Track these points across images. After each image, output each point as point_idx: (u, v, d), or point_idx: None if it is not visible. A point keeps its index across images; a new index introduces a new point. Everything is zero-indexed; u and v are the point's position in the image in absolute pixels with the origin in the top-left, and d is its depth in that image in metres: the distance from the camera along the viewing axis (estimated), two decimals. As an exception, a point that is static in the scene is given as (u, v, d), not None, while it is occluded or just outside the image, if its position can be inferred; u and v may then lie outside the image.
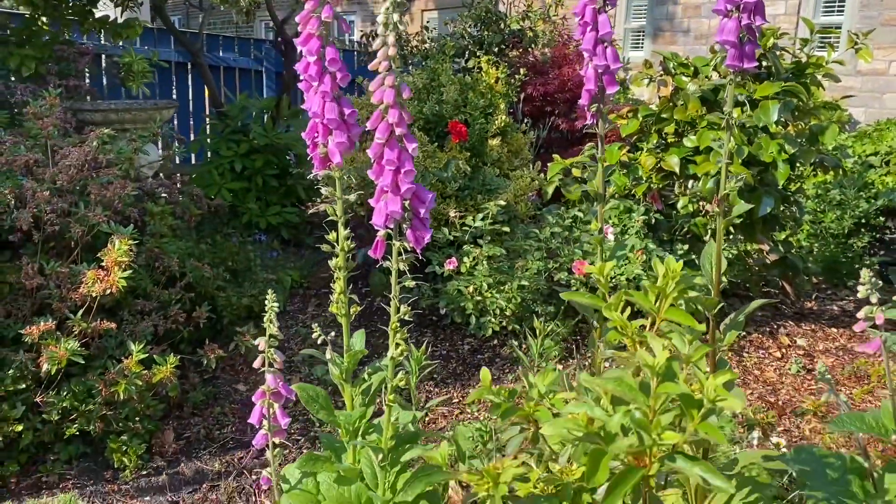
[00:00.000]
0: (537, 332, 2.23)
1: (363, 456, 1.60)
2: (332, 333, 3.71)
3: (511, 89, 4.48)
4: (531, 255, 3.61)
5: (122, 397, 2.57)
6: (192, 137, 6.10)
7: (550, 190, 3.91)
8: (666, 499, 0.80)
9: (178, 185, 3.99)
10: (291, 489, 1.68)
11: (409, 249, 1.40)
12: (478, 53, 5.93)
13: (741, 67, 1.39)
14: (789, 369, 3.67)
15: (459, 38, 5.96)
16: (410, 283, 1.43)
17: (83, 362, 2.52)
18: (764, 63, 3.50)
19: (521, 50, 6.07)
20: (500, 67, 4.42)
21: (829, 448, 2.87)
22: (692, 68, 3.57)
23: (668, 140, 3.74)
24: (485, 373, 1.04)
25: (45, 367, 2.46)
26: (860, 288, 1.24)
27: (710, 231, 4.14)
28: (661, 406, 0.78)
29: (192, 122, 6.33)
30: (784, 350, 3.92)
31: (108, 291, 2.52)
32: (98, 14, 4.33)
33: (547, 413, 0.92)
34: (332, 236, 1.58)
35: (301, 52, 1.48)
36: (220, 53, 6.55)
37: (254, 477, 2.65)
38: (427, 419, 3.02)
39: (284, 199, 5.22)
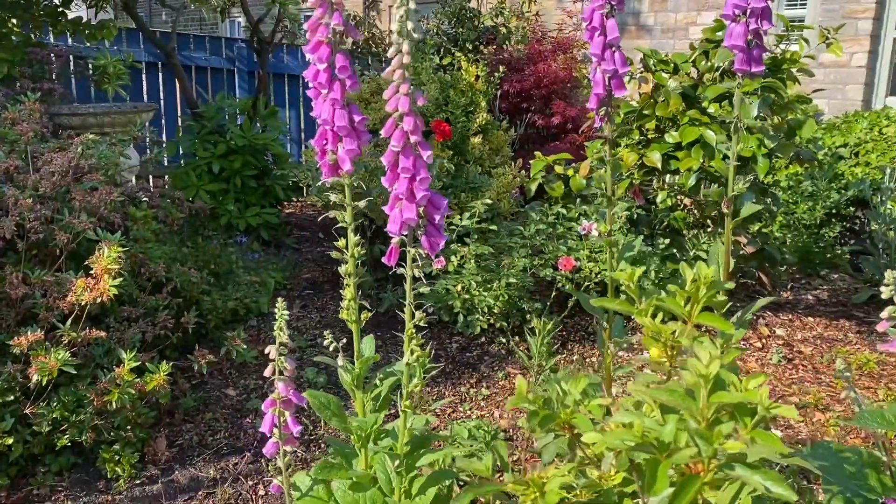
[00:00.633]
0: (537, 331, 2.24)
1: (377, 462, 1.60)
2: (325, 340, 3.67)
3: (491, 87, 4.49)
4: (516, 253, 3.63)
5: (114, 406, 2.54)
6: (164, 138, 6.02)
7: (534, 187, 3.94)
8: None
9: (158, 188, 3.93)
10: (303, 496, 1.68)
11: (423, 256, 1.40)
12: (452, 51, 5.93)
13: (749, 71, 1.42)
14: (770, 359, 3.74)
15: (434, 35, 5.95)
16: (425, 289, 1.44)
17: (74, 372, 2.49)
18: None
19: (495, 46, 6.09)
20: (479, 65, 4.44)
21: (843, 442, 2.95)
22: (672, 65, 3.62)
23: (649, 136, 3.79)
24: (521, 382, 1.05)
25: (34, 378, 2.42)
26: (883, 289, 1.27)
27: (687, 224, 4.21)
28: (712, 414, 0.80)
29: (164, 123, 6.24)
30: (764, 340, 3.99)
31: (99, 300, 2.49)
32: (70, 15, 4.25)
33: (585, 420, 0.94)
34: (341, 243, 1.58)
35: (310, 59, 1.47)
36: (192, 53, 6.47)
37: (250, 483, 2.64)
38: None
39: (263, 199, 5.18)
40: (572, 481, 0.88)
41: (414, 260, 1.41)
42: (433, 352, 3.63)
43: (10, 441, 2.49)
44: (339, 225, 1.57)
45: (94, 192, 2.85)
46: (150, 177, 5.39)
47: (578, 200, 3.95)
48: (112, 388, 2.53)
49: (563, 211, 3.89)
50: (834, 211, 5.30)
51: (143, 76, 6.05)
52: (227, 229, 4.92)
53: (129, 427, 2.72)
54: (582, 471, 0.98)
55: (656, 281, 3.81)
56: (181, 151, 5.10)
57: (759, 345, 3.94)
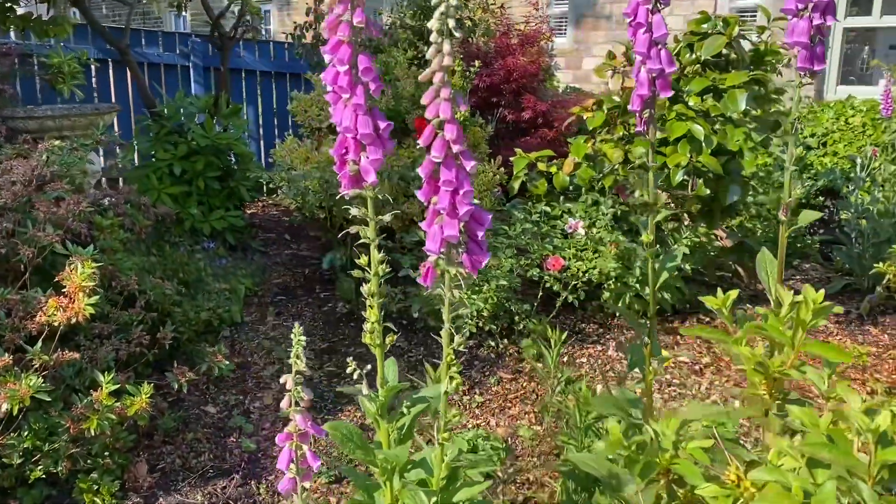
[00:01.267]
0: (552, 342, 2.14)
1: (407, 497, 1.48)
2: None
3: (467, 82, 4.37)
4: (503, 253, 3.53)
5: (92, 434, 2.36)
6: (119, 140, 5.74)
7: (517, 185, 3.84)
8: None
9: (122, 194, 3.71)
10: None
11: (464, 275, 1.28)
12: (417, 44, 5.79)
13: (812, 70, 1.33)
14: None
15: (398, 28, 5.80)
16: (465, 311, 1.32)
17: (48, 399, 2.30)
18: (723, 51, 3.51)
19: (461, 40, 5.97)
20: (455, 60, 4.30)
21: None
22: (656, 58, 3.55)
23: (631, 131, 3.72)
24: (614, 428, 0.94)
25: (3, 406, 2.22)
26: None
27: (666, 218, 4.15)
28: (878, 473, 0.70)
29: (116, 124, 5.96)
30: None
31: (74, 320, 2.30)
32: (20, 10, 3.98)
33: (692, 469, 0.83)
34: (363, 260, 1.45)
35: (329, 60, 1.34)
36: (144, 49, 6.19)
37: (242, 508, 2.49)
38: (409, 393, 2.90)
39: (227, 202, 4.98)
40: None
41: (454, 280, 1.29)
42: (420, 356, 3.51)
43: (-22, 476, 2.30)
44: (362, 241, 1.44)
45: (60, 202, 2.65)
46: (104, 181, 5.12)
47: (562, 198, 3.86)
48: (90, 414, 2.35)
49: (548, 209, 3.80)
50: (804, 201, 5.34)
51: (93, 75, 5.76)
52: (192, 234, 4.70)
53: (107, 453, 2.54)
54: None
55: (641, 278, 3.75)
56: (137, 153, 4.86)
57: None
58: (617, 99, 3.59)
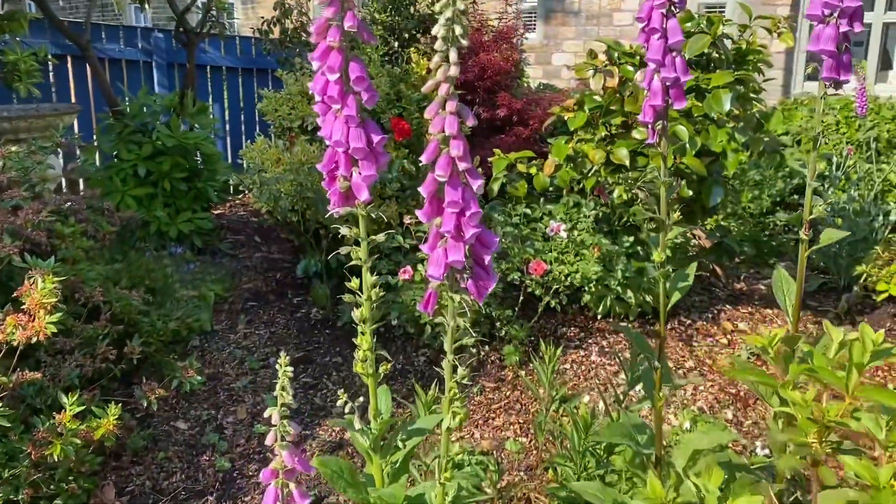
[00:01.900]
0: (546, 357, 2.04)
1: (404, 536, 1.37)
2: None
3: (443, 81, 4.25)
4: (483, 258, 3.43)
5: (56, 459, 2.21)
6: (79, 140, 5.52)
7: (496, 187, 3.74)
8: None
9: (84, 198, 3.53)
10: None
11: (469, 302, 1.18)
12: (389, 40, 5.66)
13: (838, 80, 1.25)
14: (739, 356, 3.68)
15: (369, 23, 5.66)
16: (470, 341, 1.21)
17: (8, 425, 2.15)
18: (705, 50, 3.45)
19: (432, 36, 5.85)
20: (431, 57, 4.19)
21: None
22: (637, 57, 3.48)
23: (613, 132, 3.64)
24: (653, 483, 0.84)
25: (-41, 433, 2.07)
26: None
27: (645, 219, 4.10)
28: None
29: (76, 124, 5.73)
30: (729, 336, 3.93)
31: (35, 339, 2.15)
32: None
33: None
34: (354, 283, 1.34)
35: (317, 68, 1.22)
36: (104, 44, 5.96)
37: (217, 533, 2.36)
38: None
39: (195, 203, 4.80)
40: None
41: (458, 308, 1.19)
42: (400, 366, 3.40)
43: (-69, 508, 2.14)
44: (353, 263, 1.33)
45: (18, 210, 2.49)
46: (63, 183, 4.91)
47: (542, 200, 3.77)
48: (53, 439, 2.20)
49: (528, 211, 3.71)
50: (779, 199, 5.33)
51: (51, 71, 5.53)
52: (158, 238, 4.53)
53: (71, 477, 2.39)
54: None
55: (623, 281, 3.69)
56: (100, 154, 4.67)
57: (725, 341, 3.87)
58: (598, 99, 3.51)
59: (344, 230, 1.32)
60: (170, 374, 3.04)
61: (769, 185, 5.23)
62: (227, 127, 7.01)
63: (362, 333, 1.35)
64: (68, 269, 2.85)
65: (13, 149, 2.51)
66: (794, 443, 0.84)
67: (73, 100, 5.63)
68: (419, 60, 4.08)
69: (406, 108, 3.88)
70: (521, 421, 2.96)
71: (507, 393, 3.17)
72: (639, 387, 1.79)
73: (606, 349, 3.60)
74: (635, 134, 3.44)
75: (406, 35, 5.80)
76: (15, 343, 2.19)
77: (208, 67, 6.74)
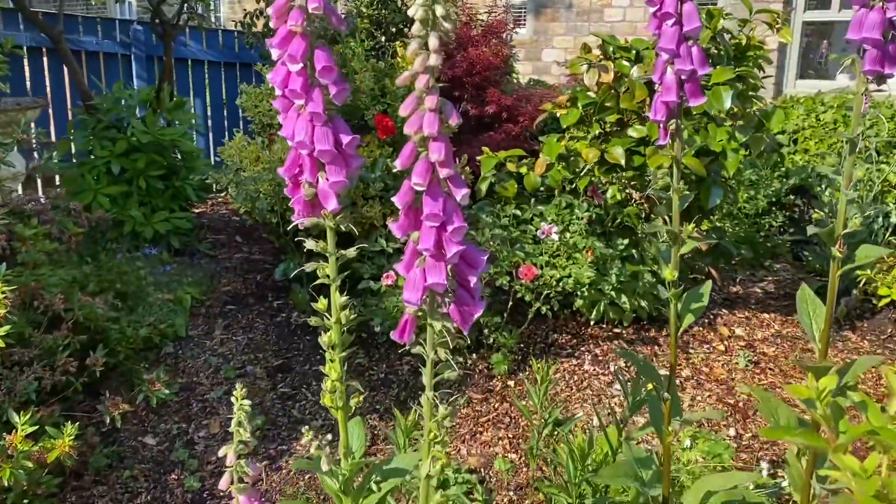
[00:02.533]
0: (538, 377, 1.88)
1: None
2: (256, 368, 3.22)
3: (430, 76, 4.08)
4: (471, 262, 3.27)
5: (7, 484, 2.04)
6: (53, 136, 5.31)
7: (484, 187, 3.58)
8: None
9: (50, 198, 3.35)
10: None
11: (452, 331, 1.02)
12: (375, 34, 5.49)
13: (882, 73, 1.09)
14: (737, 364, 3.54)
15: (356, 17, 5.48)
16: (452, 375, 1.05)
17: (-48, 447, 1.97)
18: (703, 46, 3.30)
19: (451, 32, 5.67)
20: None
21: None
22: (634, 52, 3.32)
23: (607, 130, 3.49)
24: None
25: None
26: None
27: (640, 219, 3.94)
28: None
29: (52, 119, 5.52)
30: (726, 342, 3.79)
31: (-19, 355, 1.97)
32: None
33: None
34: (321, 304, 1.17)
35: (277, 57, 1.05)
36: (81, 37, 5.75)
37: (184, 561, 2.19)
38: (378, 461, 2.63)
39: (172, 202, 4.62)
40: None
41: (440, 337, 1.02)
42: (382, 376, 3.24)
43: None
44: (320, 281, 1.16)
45: (-31, 212, 2.31)
46: (40, 183, 4.72)
47: (533, 200, 3.61)
48: (2, 463, 2.02)
49: (517, 212, 3.55)
50: (775, 200, 5.19)
51: (26, 64, 5.32)
52: (132, 238, 4.34)
53: (26, 501, 2.22)
54: None
55: (617, 285, 3.54)
56: (73, 150, 4.48)
57: (721, 347, 3.73)
58: (592, 95, 3.35)
59: (309, 244, 1.15)
60: (139, 384, 2.87)
61: (765, 186, 5.09)
62: (209, 123, 6.81)
63: (331, 361, 1.18)
64: (28, 275, 2.67)
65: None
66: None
67: (49, 94, 5.43)
68: (405, 55, 3.90)
69: (391, 104, 3.71)
70: (511, 436, 2.81)
71: (496, 405, 3.02)
72: (638, 409, 1.63)
73: (600, 357, 3.45)
74: (631, 132, 3.29)
75: (393, 29, 5.63)
76: (-40, 358, 2.01)
77: (189, 61, 6.54)
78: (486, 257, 1.00)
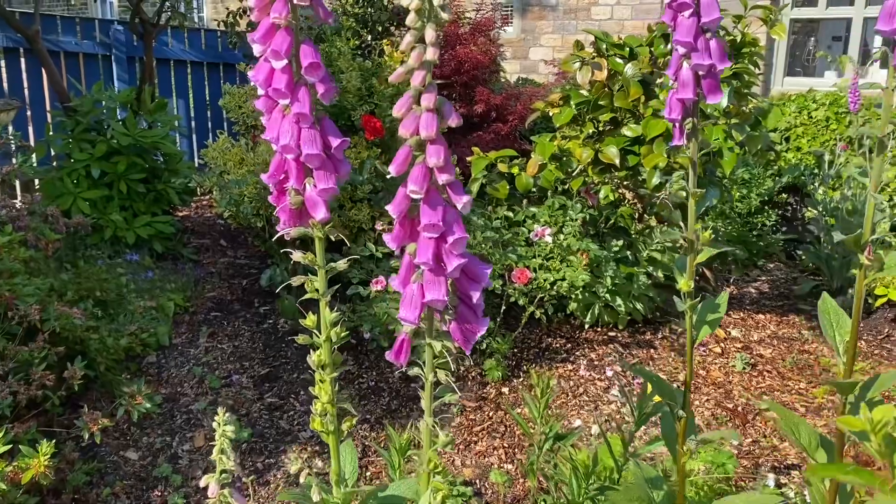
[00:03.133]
0: (538, 389, 1.79)
1: None
2: (242, 377, 3.12)
3: (418, 75, 3.99)
4: (463, 265, 3.18)
5: (-22, 507, 1.93)
6: (32, 139, 5.18)
7: (475, 188, 3.49)
8: None
9: (26, 204, 3.23)
10: None
11: (453, 350, 0.93)
12: (361, 32, 5.40)
13: (914, 67, 1.02)
14: (734, 366, 3.47)
15: (341, 15, 5.39)
16: (454, 398, 0.97)
17: (-81, 470, 1.87)
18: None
19: (406, 28, 5.58)
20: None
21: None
22: (627, 49, 3.24)
23: (601, 129, 3.41)
24: None
25: None
26: None
27: (632, 219, 3.87)
28: None
29: (30, 121, 5.39)
30: (722, 344, 3.73)
31: (-51, 372, 1.87)
32: None
33: None
34: (310, 320, 1.08)
35: (260, 53, 0.96)
36: (59, 37, 5.62)
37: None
38: (370, 475, 2.55)
39: (154, 206, 4.50)
40: None
41: (439, 358, 0.94)
42: (373, 383, 3.15)
43: None
44: (308, 296, 1.07)
45: (-62, 221, 2.20)
46: (19, 187, 4.59)
47: (525, 201, 3.53)
48: (-27, 484, 1.92)
49: (509, 214, 3.47)
50: (767, 198, 5.14)
51: (2, 65, 5.19)
52: (113, 244, 4.22)
53: (0, 523, 2.11)
54: None
55: (612, 288, 3.46)
56: (52, 153, 4.35)
57: (718, 349, 3.66)
58: (585, 93, 3.28)
59: (296, 256, 1.06)
60: (120, 396, 2.76)
61: (758, 184, 5.04)
62: (192, 124, 6.69)
63: (321, 382, 1.09)
64: (2, 284, 2.56)
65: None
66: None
67: (27, 95, 5.29)
68: (392, 53, 3.81)
69: (378, 104, 3.62)
70: (507, 445, 2.73)
71: (490, 413, 2.93)
72: (645, 424, 1.55)
73: (595, 362, 3.37)
74: (625, 131, 3.22)
75: (379, 28, 5.54)
76: (-73, 375, 1.91)
77: (172, 62, 6.42)
78: (489, 270, 0.91)
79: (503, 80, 6.32)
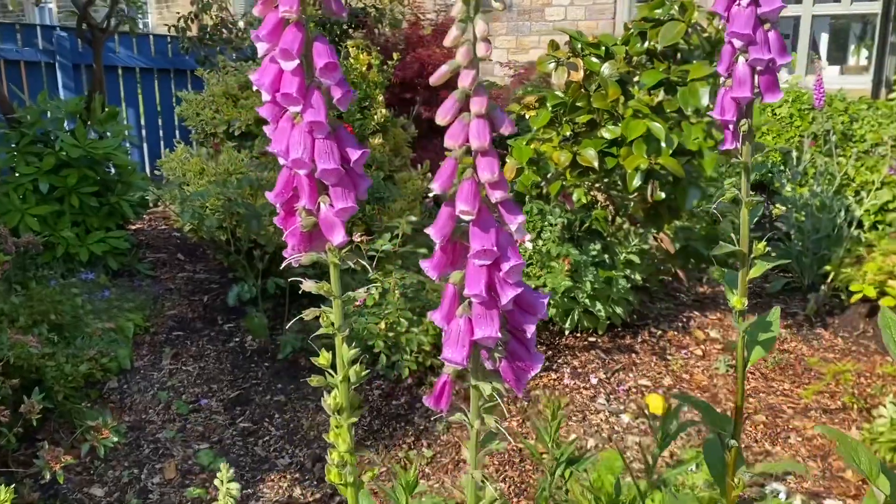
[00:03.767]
0: (549, 413, 1.68)
1: None
2: (211, 401, 2.94)
3: (386, 77, 3.86)
4: (441, 275, 3.06)
5: (-71, 564, 1.74)
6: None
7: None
8: None
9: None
10: None
11: (503, 393, 0.81)
12: (349, 31, 5.26)
13: None
14: (717, 369, 3.42)
15: (298, 19, 5.23)
16: (501, 446, 0.84)
17: None
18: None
19: (365, 30, 5.45)
20: (372, 52, 3.79)
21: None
22: (603, 48, 3.16)
23: (577, 131, 3.33)
24: None
25: None
26: None
27: (606, 221, 3.80)
28: None
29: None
30: (703, 346, 3.68)
31: None
32: None
33: None
34: (323, 358, 0.95)
35: (264, 52, 0.83)
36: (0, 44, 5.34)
37: None
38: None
39: (107, 221, 4.27)
40: None
41: (489, 401, 0.81)
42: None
43: None
44: (322, 331, 0.94)
45: None
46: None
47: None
48: (-77, 540, 1.73)
49: (486, 220, 3.36)
50: (734, 196, 5.14)
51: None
52: (66, 262, 3.98)
53: (-46, 578, 1.91)
54: None
55: (591, 293, 3.38)
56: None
57: (699, 352, 3.61)
58: (561, 95, 3.19)
59: (308, 285, 0.92)
60: (81, 426, 2.57)
61: (726, 182, 5.03)
62: (144, 134, 6.43)
63: (337, 428, 0.96)
64: (-53, 313, 2.35)
65: None
66: None
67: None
68: (358, 55, 3.67)
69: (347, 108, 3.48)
70: (497, 462, 2.61)
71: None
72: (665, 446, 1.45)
73: (579, 370, 3.28)
74: (604, 132, 3.13)
75: (338, 30, 5.39)
76: None
77: (120, 69, 6.16)
78: (546, 300, 0.79)
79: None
